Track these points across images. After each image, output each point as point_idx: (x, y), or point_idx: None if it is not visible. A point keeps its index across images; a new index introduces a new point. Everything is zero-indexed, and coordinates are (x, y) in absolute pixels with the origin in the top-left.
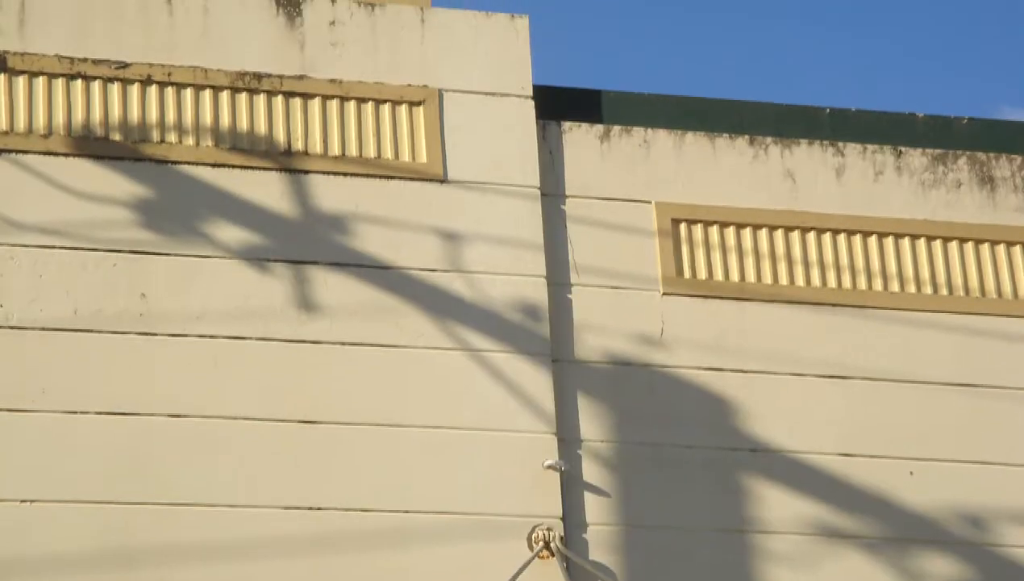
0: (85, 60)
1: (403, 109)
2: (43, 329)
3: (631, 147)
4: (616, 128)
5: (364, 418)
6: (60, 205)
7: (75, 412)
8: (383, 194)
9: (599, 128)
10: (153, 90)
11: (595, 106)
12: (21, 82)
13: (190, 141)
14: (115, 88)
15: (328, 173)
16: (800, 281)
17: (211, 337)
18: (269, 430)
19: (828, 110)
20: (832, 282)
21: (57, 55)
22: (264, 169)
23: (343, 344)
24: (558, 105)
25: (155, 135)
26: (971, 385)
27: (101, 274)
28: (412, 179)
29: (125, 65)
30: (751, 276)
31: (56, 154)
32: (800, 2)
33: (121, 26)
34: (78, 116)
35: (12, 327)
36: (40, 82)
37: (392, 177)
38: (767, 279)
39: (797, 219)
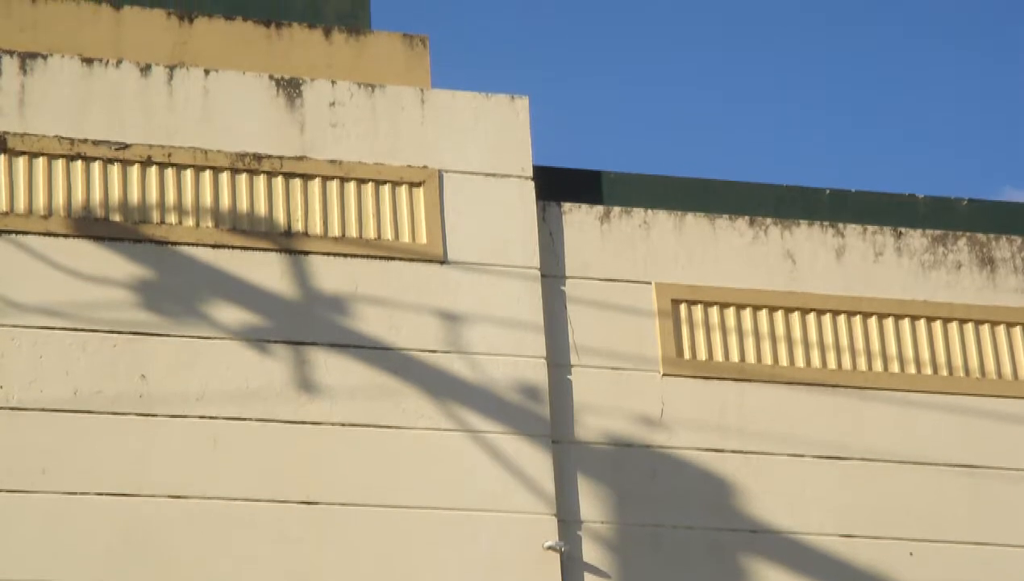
0: (85, 141)
1: (403, 190)
2: (43, 410)
3: (631, 228)
4: (616, 209)
5: (365, 499)
6: (60, 286)
7: (75, 493)
8: (383, 275)
9: (599, 209)
10: (153, 171)
11: (595, 187)
12: (21, 163)
13: (190, 222)
14: (115, 169)
15: (328, 254)
16: (800, 362)
17: (211, 418)
18: (270, 511)
19: (828, 191)
20: (832, 363)
21: (57, 136)
22: (264, 250)
23: (344, 425)
24: (558, 186)
25: (155, 216)
26: (971, 466)
27: (101, 355)
28: (412, 260)
29: (125, 146)
30: (751, 357)
31: (56, 235)
32: (799, 84)
33: (121, 107)
34: (78, 197)
35: (12, 408)
36: (40, 163)
37: (392, 258)
38: (767, 360)
39: (797, 300)
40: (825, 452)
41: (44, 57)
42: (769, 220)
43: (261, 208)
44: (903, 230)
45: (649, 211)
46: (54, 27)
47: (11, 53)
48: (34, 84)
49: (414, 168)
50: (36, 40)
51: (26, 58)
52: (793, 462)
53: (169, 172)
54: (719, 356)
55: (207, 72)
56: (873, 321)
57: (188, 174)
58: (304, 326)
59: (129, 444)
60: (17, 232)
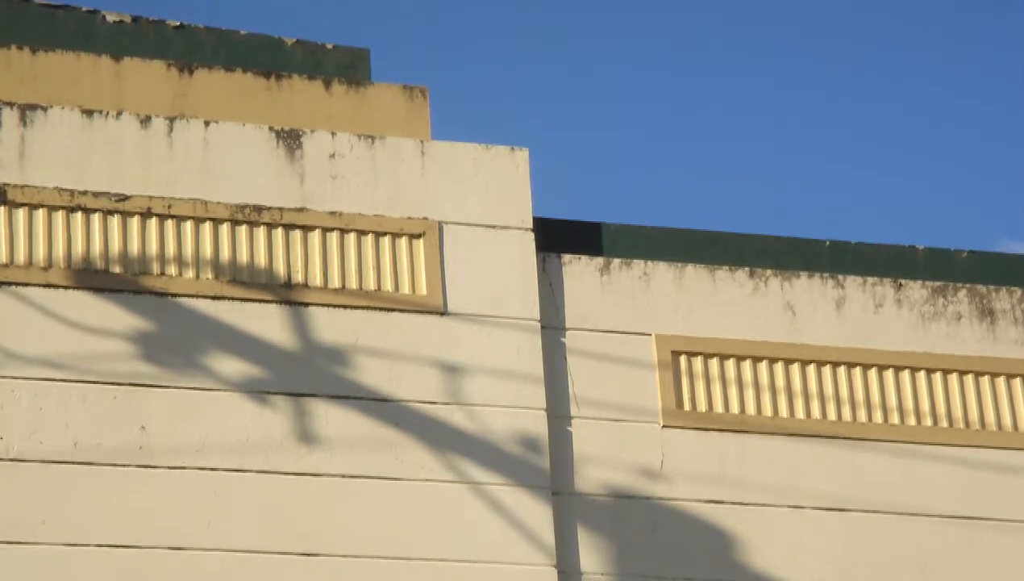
0: (85, 193)
1: (403, 241)
2: (43, 461)
3: (631, 279)
4: (616, 260)
5: (365, 551)
6: (60, 338)
7: (75, 545)
8: (383, 326)
9: (599, 260)
10: (153, 223)
11: (595, 238)
12: (21, 214)
13: (190, 274)
14: (115, 221)
15: (328, 305)
16: (800, 413)
17: (211, 470)
18: (269, 563)
19: (828, 243)
20: (832, 415)
21: (57, 188)
22: (264, 302)
23: (343, 477)
24: (558, 237)
25: (155, 268)
26: (971, 517)
27: (101, 407)
28: (412, 311)
29: (125, 198)
30: (751, 408)
31: (56, 287)
32: (800, 135)
33: (121, 159)
34: (78, 249)
35: (12, 460)
36: (40, 214)
37: (392, 309)
38: (767, 411)
39: (797, 352)
40: (825, 504)
41: (44, 109)
42: (769, 271)
43: (261, 259)
44: (903, 282)
45: (649, 262)
46: (54, 78)
47: (11, 105)
48: (34, 135)
49: (414, 219)
50: (36, 91)
51: (26, 109)
52: (793, 514)
53: (169, 223)
54: (719, 407)
55: (207, 123)
56: (873, 373)
57: (188, 226)
58: (304, 377)
59: (129, 496)
60: (17, 284)
